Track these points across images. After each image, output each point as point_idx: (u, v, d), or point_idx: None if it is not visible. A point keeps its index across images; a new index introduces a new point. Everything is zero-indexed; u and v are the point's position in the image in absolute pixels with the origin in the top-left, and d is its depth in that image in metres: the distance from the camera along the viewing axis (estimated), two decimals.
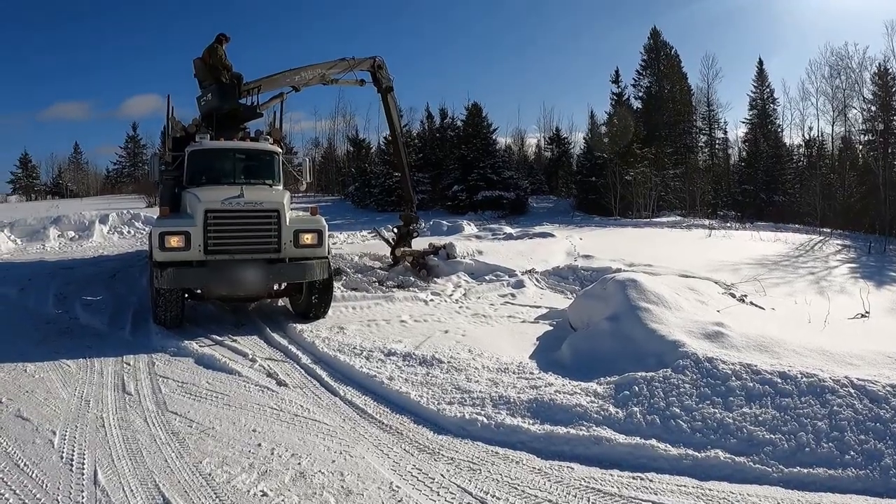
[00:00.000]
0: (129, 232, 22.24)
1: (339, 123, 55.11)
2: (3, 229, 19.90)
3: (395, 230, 14.96)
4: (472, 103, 40.30)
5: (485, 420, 5.95)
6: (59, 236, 20.36)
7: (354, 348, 8.06)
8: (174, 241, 8.76)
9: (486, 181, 35.95)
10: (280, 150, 11.39)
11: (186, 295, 9.43)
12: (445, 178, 37.55)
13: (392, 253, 14.56)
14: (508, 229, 22.36)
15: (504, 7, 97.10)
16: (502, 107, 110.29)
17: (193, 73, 12.34)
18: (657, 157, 37.80)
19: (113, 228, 22.34)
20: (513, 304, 11.32)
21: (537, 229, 22.53)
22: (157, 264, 8.75)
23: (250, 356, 7.96)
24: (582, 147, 43.64)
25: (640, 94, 47.28)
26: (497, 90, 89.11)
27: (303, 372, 7.50)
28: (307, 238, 9.37)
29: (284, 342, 8.63)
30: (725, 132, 50.25)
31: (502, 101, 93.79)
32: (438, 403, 6.34)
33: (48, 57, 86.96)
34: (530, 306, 11.05)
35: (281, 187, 10.89)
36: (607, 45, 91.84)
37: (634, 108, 45.06)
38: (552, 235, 19.79)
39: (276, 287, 10.14)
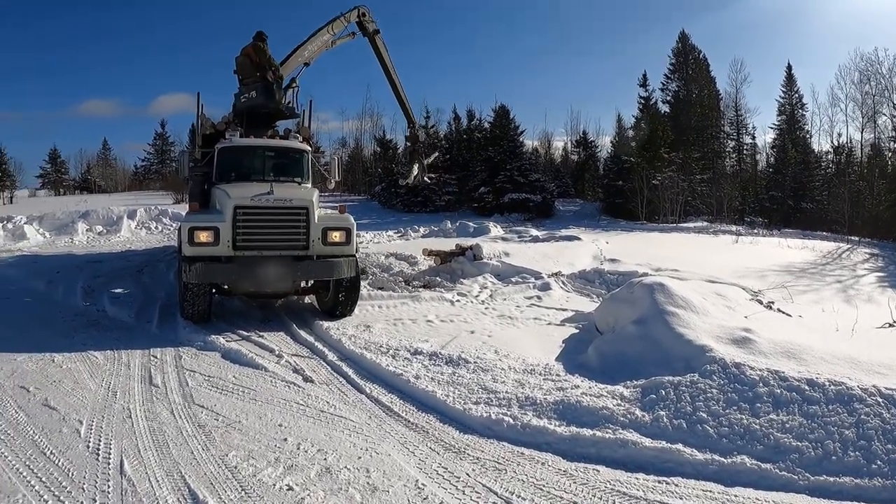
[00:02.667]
0: (156, 227, 22.55)
1: (367, 123, 55.67)
2: (32, 223, 20.32)
3: (408, 153, 18.06)
4: (500, 105, 40.54)
5: (511, 420, 5.89)
6: (87, 230, 20.72)
7: (381, 346, 8.04)
8: (203, 237, 8.80)
9: (513, 183, 35.94)
10: (309, 149, 11.43)
11: (214, 290, 9.49)
12: (472, 180, 37.53)
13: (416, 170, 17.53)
14: (534, 232, 22.24)
15: (530, 9, 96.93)
16: (529, 109, 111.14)
17: (234, 70, 12.40)
18: (684, 161, 37.54)
19: (140, 224, 22.68)
20: (539, 306, 11.23)
21: (563, 232, 22.42)
22: (186, 259, 8.79)
23: (277, 352, 7.99)
24: (609, 151, 43.39)
25: (668, 98, 47.15)
26: (524, 93, 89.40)
27: (329, 369, 7.50)
28: (335, 236, 9.37)
29: (311, 339, 8.64)
30: (753, 137, 49.94)
31: (529, 103, 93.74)
32: (464, 403, 6.29)
33: (82, 54, 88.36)
34: (556, 309, 10.95)
35: (310, 185, 10.94)
36: (635, 50, 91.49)
37: (662, 112, 44.78)
38: (578, 239, 19.68)
39: (302, 284, 10.15)
